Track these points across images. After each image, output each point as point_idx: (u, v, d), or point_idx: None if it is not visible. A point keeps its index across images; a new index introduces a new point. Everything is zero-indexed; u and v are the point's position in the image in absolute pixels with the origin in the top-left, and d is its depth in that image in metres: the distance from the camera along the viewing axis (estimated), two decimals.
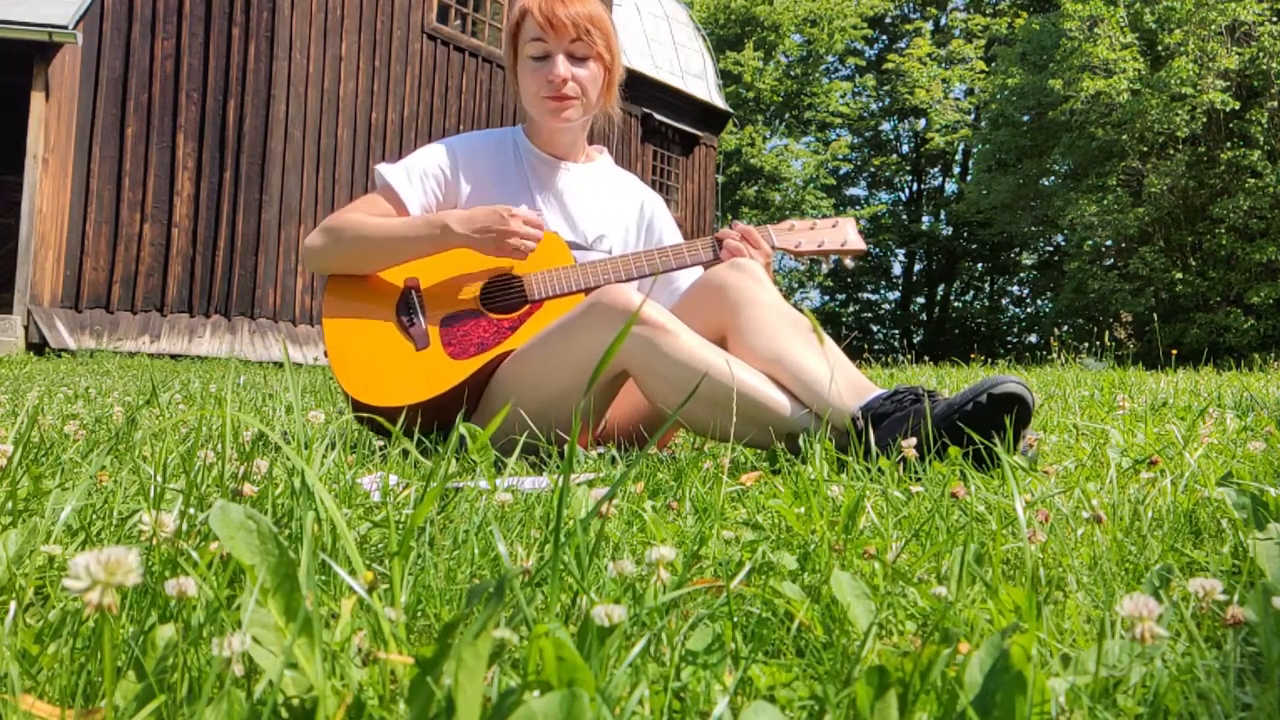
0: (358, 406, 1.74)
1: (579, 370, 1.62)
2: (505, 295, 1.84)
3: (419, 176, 1.88)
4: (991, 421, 1.37)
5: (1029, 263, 25.41)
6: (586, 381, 1.60)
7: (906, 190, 28.16)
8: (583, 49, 1.87)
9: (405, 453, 1.45)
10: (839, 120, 26.89)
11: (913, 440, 1.30)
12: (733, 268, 1.70)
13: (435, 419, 1.77)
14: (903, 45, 26.65)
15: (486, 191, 1.92)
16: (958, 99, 25.50)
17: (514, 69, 1.94)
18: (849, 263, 1.94)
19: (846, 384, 1.54)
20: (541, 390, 1.66)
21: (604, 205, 2.01)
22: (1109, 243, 18.54)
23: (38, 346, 8.58)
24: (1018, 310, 26.41)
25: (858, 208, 27.02)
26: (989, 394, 1.36)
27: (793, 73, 26.63)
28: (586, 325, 1.60)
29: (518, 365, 1.71)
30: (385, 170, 1.88)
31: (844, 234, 1.91)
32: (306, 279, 9.60)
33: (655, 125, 14.64)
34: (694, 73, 15.56)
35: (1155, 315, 16.06)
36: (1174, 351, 11.41)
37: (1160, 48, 17.03)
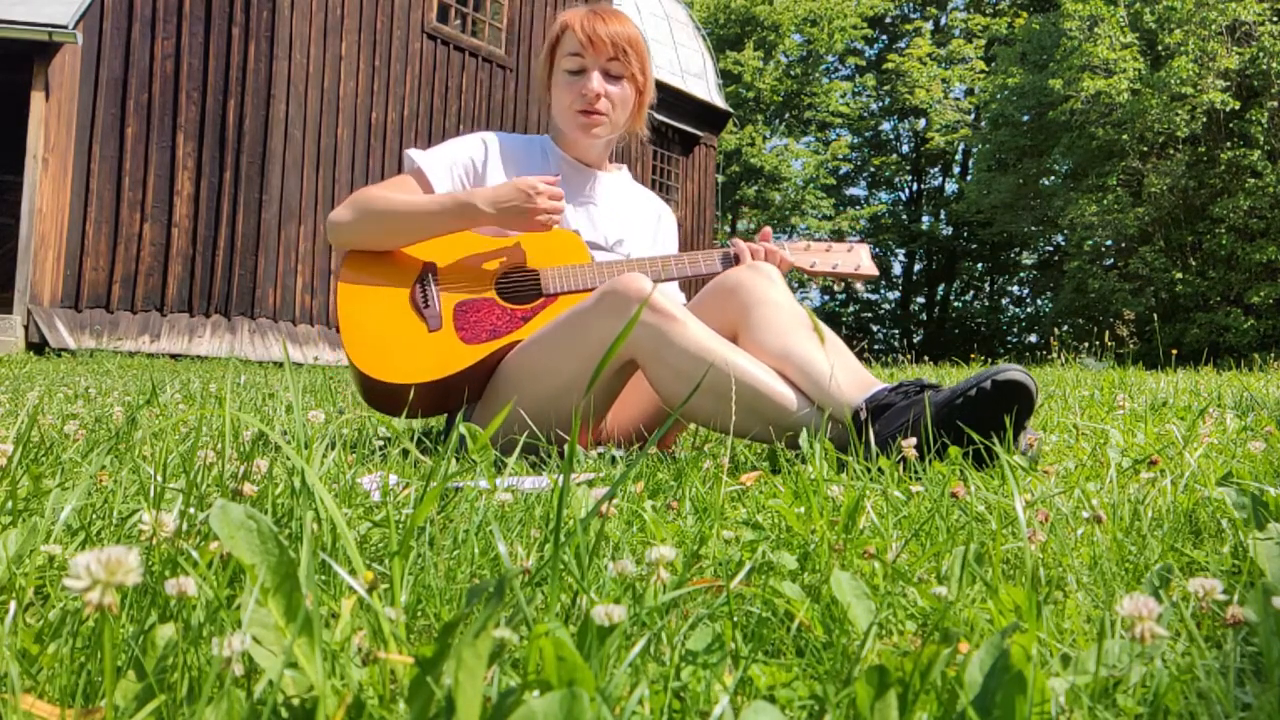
0: (366, 389, 1.76)
1: (588, 356, 1.64)
2: (520, 286, 1.86)
3: (449, 165, 1.93)
4: (995, 409, 1.37)
5: (1029, 263, 25.41)
6: (594, 368, 1.61)
7: (906, 190, 28.16)
8: (618, 68, 1.92)
9: (405, 452, 1.45)
10: (839, 120, 26.88)
11: (913, 440, 1.30)
12: (749, 269, 1.73)
13: (441, 403, 1.79)
14: (903, 45, 26.65)
15: None
16: (958, 99, 25.49)
17: (548, 82, 1.99)
18: (860, 286, 1.98)
19: (851, 378, 1.55)
20: (550, 377, 1.68)
21: (626, 213, 2.06)
22: (1109, 243, 18.54)
23: (38, 346, 8.58)
24: (1018, 310, 26.41)
25: (858, 208, 27.03)
26: (992, 380, 1.37)
27: (793, 73, 26.61)
28: (598, 312, 1.62)
29: (527, 351, 1.72)
30: (417, 155, 1.93)
31: (858, 259, 1.96)
32: (306, 278, 9.59)
33: (655, 125, 14.59)
34: (694, 72, 15.56)
35: (1155, 315, 16.07)
36: (1174, 351, 11.42)
37: (1160, 48, 17.02)
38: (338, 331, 2.00)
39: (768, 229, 1.94)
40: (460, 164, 1.94)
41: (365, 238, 1.86)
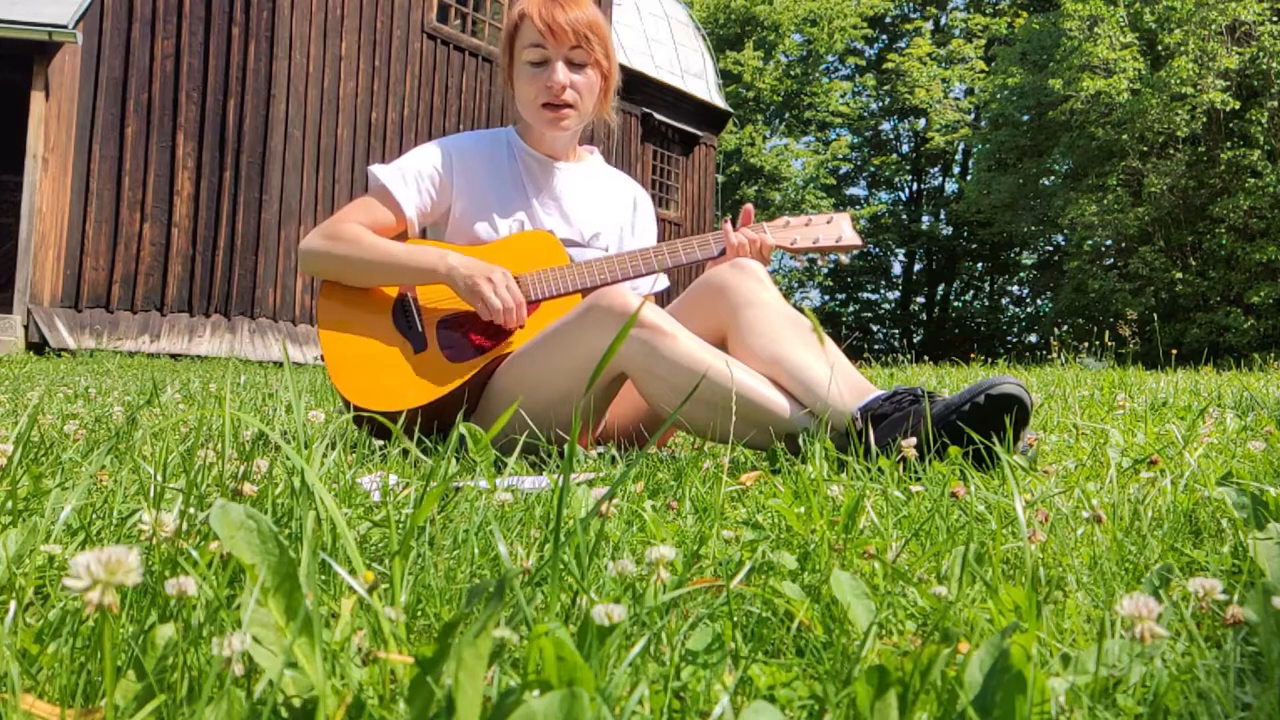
0: (356, 409, 1.74)
1: (577, 373, 1.62)
2: None
3: (414, 178, 1.87)
4: (989, 422, 1.37)
5: (1029, 263, 25.41)
6: (585, 384, 1.60)
7: (906, 190, 28.16)
8: (581, 56, 1.85)
9: (405, 453, 1.45)
10: (839, 120, 26.89)
11: (913, 440, 1.30)
12: (734, 268, 1.69)
13: (434, 420, 1.76)
14: (903, 45, 26.65)
15: (481, 192, 1.92)
16: (958, 99, 25.49)
17: (509, 73, 1.92)
18: (845, 259, 1.93)
19: (846, 385, 1.54)
20: (540, 393, 1.66)
21: (599, 203, 2.01)
22: (1109, 243, 18.54)
23: (38, 346, 8.57)
24: (1018, 310, 26.41)
25: (858, 207, 27.01)
26: (986, 395, 1.36)
27: (793, 72, 26.63)
28: (584, 328, 1.60)
29: (516, 368, 1.70)
30: (380, 172, 1.87)
31: (839, 230, 1.89)
32: (306, 278, 9.59)
33: (655, 125, 14.64)
34: (694, 72, 15.55)
35: (1155, 315, 16.07)
36: (1174, 351, 11.43)
37: (1160, 47, 17.03)
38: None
39: (749, 207, 1.88)
40: (425, 176, 1.88)
41: (336, 276, 1.82)
